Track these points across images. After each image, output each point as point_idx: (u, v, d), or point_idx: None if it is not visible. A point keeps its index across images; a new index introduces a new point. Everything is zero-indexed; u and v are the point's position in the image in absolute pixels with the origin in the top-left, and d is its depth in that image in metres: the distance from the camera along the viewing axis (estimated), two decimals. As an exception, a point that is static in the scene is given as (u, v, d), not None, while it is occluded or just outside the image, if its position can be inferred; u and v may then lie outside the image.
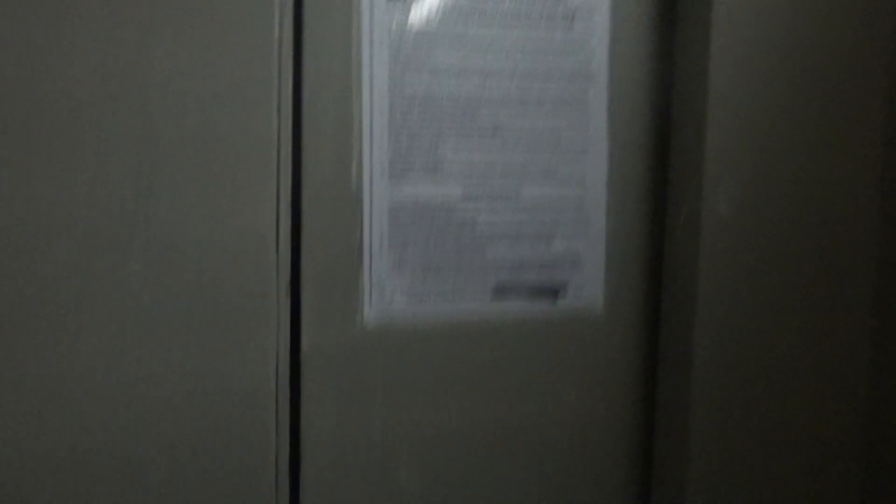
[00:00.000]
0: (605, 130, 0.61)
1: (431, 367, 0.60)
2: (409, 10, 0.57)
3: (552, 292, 0.62)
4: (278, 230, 0.56)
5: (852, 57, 0.60)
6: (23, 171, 0.50)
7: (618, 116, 0.61)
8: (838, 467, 0.61)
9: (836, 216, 0.60)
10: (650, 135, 0.63)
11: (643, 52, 0.62)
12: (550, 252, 0.61)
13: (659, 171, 0.63)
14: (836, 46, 0.60)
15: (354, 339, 0.59)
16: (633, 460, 0.65)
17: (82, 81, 0.51)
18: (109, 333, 0.53)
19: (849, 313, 0.61)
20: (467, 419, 0.61)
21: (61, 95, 0.51)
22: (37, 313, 0.51)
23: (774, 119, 0.58)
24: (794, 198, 0.59)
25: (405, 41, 0.57)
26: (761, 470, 0.60)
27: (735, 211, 0.57)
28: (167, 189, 0.53)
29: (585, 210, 0.62)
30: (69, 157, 0.51)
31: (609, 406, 0.64)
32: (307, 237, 0.57)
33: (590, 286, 0.62)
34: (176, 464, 0.55)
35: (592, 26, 0.60)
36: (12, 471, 0.52)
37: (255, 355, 0.56)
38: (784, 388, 0.60)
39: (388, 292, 0.59)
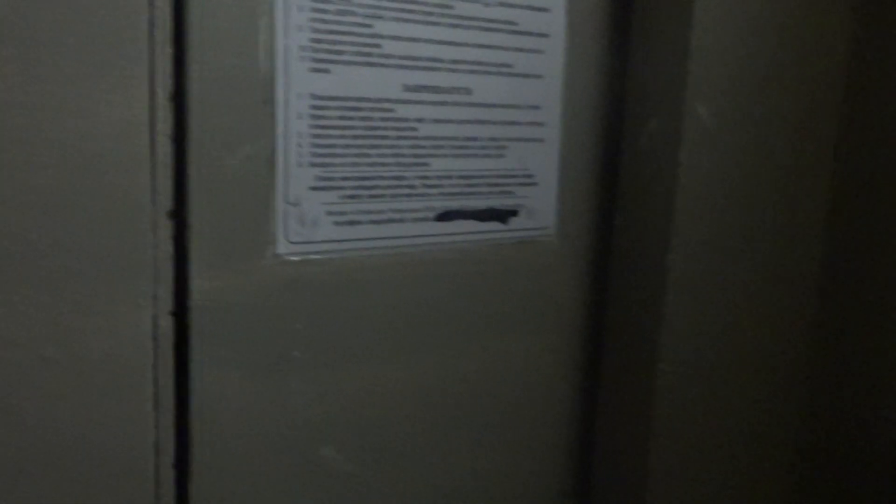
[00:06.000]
0: (563, 23, 0.51)
1: (365, 311, 0.47)
2: None
3: (503, 216, 0.51)
4: (153, 131, 0.39)
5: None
6: None
7: (578, 8, 0.51)
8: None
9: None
10: (611, 31, 0.54)
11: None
12: (502, 168, 0.51)
13: (620, 75, 0.54)
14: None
15: (264, 279, 0.44)
16: (579, 400, 0.58)
17: None
18: None
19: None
20: (407, 374, 0.50)
21: None
22: None
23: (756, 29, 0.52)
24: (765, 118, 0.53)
25: None
26: (716, 404, 0.56)
27: (715, 119, 0.50)
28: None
29: (541, 117, 0.51)
30: None
31: (559, 343, 0.56)
32: (197, 143, 0.41)
33: (543, 208, 0.53)
34: (25, 458, 0.37)
35: None
36: None
37: (122, 310, 0.39)
38: (744, 321, 0.56)
39: (309, 218, 0.44)
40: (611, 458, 0.57)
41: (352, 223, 0.46)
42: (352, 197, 0.45)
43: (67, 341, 0.38)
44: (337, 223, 0.45)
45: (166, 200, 0.40)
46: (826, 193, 0.57)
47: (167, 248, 0.41)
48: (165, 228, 0.40)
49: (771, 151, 0.54)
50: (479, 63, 0.48)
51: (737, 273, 0.55)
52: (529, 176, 0.52)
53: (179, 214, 0.41)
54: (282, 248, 0.44)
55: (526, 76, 0.50)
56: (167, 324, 0.41)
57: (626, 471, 0.55)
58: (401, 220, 0.47)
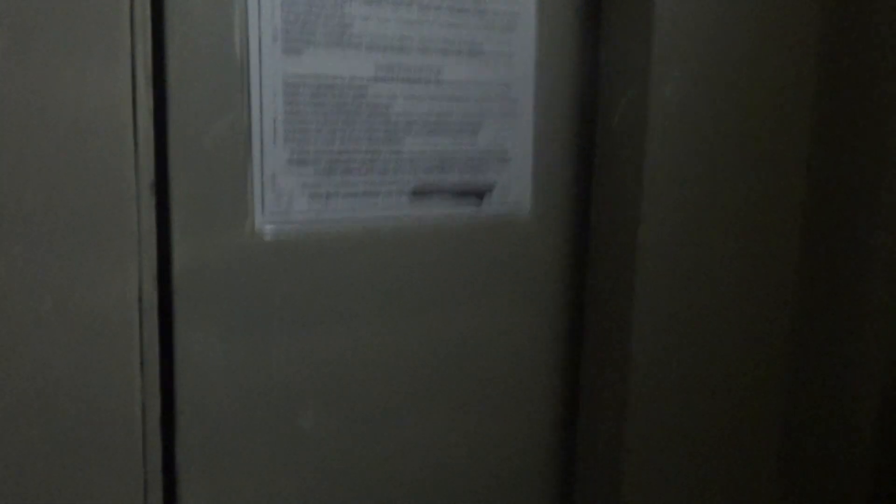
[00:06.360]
0: (533, 3, 0.53)
1: (340, 282, 0.50)
2: None
3: (477, 193, 0.53)
4: (135, 107, 0.42)
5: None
6: None
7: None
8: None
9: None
10: (582, 9, 0.55)
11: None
12: (476, 147, 0.53)
13: (591, 53, 0.55)
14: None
15: (242, 251, 0.47)
16: (560, 374, 0.59)
17: None
18: None
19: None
20: (384, 344, 0.52)
21: None
22: None
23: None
24: (737, 88, 0.54)
25: None
26: (697, 383, 0.57)
27: (682, 96, 0.51)
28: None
29: (513, 95, 0.53)
30: None
31: (536, 320, 0.57)
32: (176, 119, 0.44)
33: (517, 186, 0.55)
34: (19, 407, 0.41)
35: None
36: None
37: (110, 272, 0.42)
38: (722, 295, 0.57)
39: (285, 192, 0.47)
40: (592, 434, 0.58)
41: (327, 196, 0.48)
42: (326, 172, 0.48)
43: (61, 299, 0.41)
44: (312, 196, 0.48)
45: (148, 173, 0.43)
46: (804, 176, 0.57)
47: (150, 217, 0.44)
48: (148, 199, 0.43)
49: (744, 129, 0.54)
50: (449, 42, 0.50)
51: (713, 251, 0.55)
52: (504, 153, 0.54)
53: (161, 186, 0.44)
54: (259, 219, 0.47)
55: (496, 55, 0.52)
56: (151, 287, 0.44)
57: (606, 449, 0.56)
58: (375, 195, 0.50)
